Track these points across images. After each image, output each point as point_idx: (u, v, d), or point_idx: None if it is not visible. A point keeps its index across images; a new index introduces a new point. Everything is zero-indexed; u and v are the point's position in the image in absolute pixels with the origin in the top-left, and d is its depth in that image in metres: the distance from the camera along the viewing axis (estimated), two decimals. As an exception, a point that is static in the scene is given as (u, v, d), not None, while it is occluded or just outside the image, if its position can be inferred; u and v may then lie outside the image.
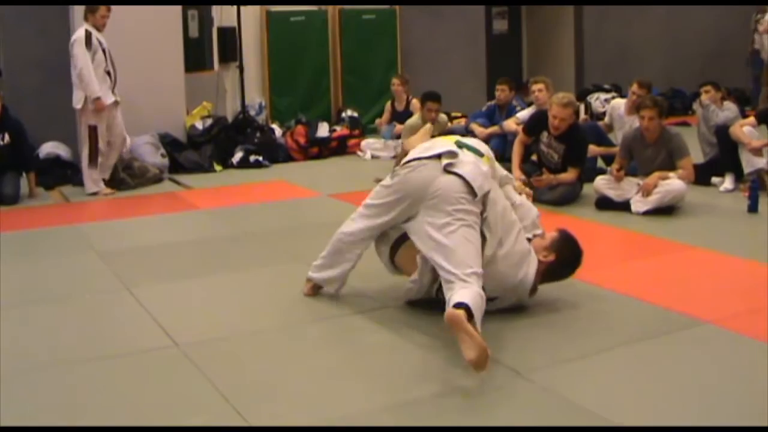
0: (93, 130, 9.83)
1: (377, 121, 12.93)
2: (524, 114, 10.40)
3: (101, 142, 9.90)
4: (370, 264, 5.63)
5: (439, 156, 4.99)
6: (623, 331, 4.67)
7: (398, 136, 11.40)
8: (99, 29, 9.81)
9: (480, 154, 5.08)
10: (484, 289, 4.58)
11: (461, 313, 4.29)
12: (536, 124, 8.65)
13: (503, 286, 4.98)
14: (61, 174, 10.67)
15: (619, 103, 10.07)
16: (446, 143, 5.13)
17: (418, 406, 4.01)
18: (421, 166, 5.01)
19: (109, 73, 9.92)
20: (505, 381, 4.27)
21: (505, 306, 5.07)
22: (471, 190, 4.82)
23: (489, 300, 4.64)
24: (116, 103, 10.00)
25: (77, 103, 9.77)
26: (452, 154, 4.98)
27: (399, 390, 4.22)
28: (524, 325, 4.99)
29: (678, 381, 4.22)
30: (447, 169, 4.90)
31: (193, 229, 8.13)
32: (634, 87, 9.61)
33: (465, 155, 5.00)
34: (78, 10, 10.71)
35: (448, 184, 4.86)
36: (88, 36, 9.65)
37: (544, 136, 8.44)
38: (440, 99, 10.17)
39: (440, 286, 4.86)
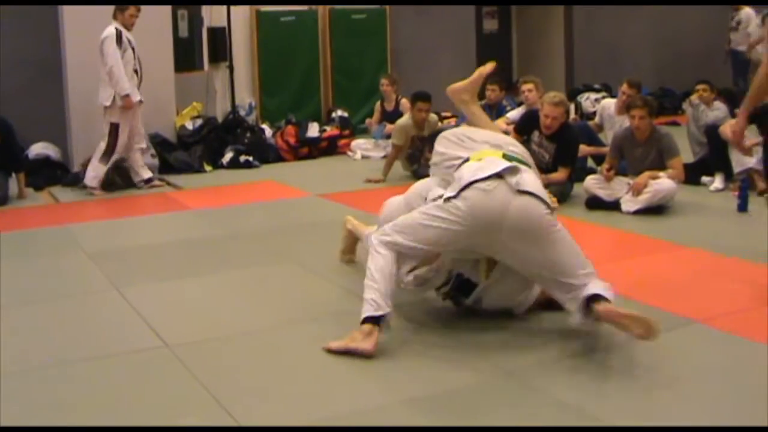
0: (115, 128, 9.90)
1: (367, 121, 12.92)
2: (514, 114, 10.42)
3: (120, 141, 9.97)
4: (363, 264, 5.62)
5: (500, 175, 4.65)
6: (612, 331, 4.67)
7: (388, 136, 11.39)
8: (128, 28, 9.91)
9: (529, 165, 4.94)
10: None
11: (608, 304, 4.42)
12: (527, 124, 8.65)
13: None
14: (50, 174, 10.65)
15: (609, 103, 10.09)
16: (498, 160, 4.79)
17: (408, 406, 4.01)
18: (492, 189, 4.60)
19: (136, 72, 10.04)
20: (496, 380, 4.27)
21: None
22: (545, 203, 4.65)
23: None
24: (140, 102, 10.08)
25: (106, 100, 9.82)
26: (514, 170, 4.68)
27: (389, 390, 4.22)
28: (514, 324, 4.99)
29: (668, 380, 4.23)
30: (519, 190, 4.59)
31: (183, 229, 8.11)
32: (624, 87, 9.62)
33: (522, 169, 4.76)
34: (67, 10, 10.73)
35: (526, 208, 4.58)
36: (118, 34, 9.75)
37: (535, 135, 8.44)
38: (430, 99, 10.14)
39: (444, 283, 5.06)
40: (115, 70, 9.66)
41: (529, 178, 4.71)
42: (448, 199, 4.67)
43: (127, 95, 9.75)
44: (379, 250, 4.77)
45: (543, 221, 4.59)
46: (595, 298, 4.46)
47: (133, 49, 9.94)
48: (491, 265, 5.01)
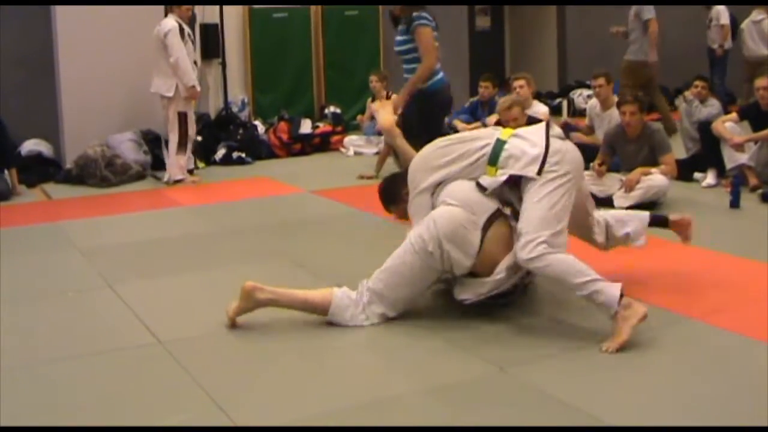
0: (183, 117, 10.14)
1: (359, 117, 12.93)
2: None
3: (190, 129, 10.23)
4: (355, 260, 5.61)
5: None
6: (604, 327, 4.68)
7: (380, 133, 11.40)
8: (185, 21, 10.17)
9: None
10: None
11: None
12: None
13: None
14: (43, 171, 10.63)
15: (596, 103, 10.07)
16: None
17: (398, 402, 4.02)
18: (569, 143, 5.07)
19: (195, 63, 10.36)
20: (486, 376, 4.28)
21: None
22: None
23: None
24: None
25: (168, 91, 10.01)
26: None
27: (380, 386, 4.22)
28: (506, 320, 4.99)
29: (660, 377, 4.24)
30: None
31: (175, 226, 8.11)
32: (600, 81, 9.66)
33: None
34: (59, 10, 10.71)
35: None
36: (180, 27, 9.97)
37: None
38: None
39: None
40: (181, 62, 9.88)
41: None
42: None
43: (194, 86, 10.01)
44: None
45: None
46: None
47: (193, 42, 10.30)
48: None
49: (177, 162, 10.20)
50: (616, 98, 9.85)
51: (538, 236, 4.63)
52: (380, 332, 4.92)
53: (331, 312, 4.94)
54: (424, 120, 7.57)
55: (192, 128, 10.35)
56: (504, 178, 4.88)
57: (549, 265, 4.64)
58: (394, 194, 5.43)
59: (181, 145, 10.17)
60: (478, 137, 5.12)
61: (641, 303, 4.55)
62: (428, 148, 5.24)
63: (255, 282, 4.93)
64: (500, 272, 4.84)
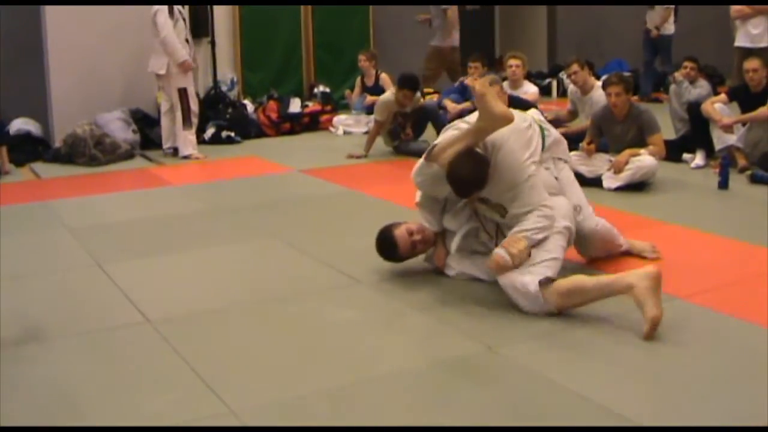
0: (183, 92, 10.32)
1: (347, 93, 12.95)
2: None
3: (193, 104, 10.38)
4: (344, 239, 5.61)
5: None
6: (596, 307, 4.70)
7: (369, 108, 11.41)
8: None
9: None
10: None
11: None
12: None
13: None
14: (32, 150, 10.59)
15: (576, 88, 10.04)
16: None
17: (386, 381, 4.02)
18: None
19: (187, 41, 10.43)
20: (475, 354, 4.29)
21: None
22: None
23: None
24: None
25: (160, 68, 10.20)
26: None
27: (368, 365, 4.23)
28: (496, 299, 5.00)
29: (647, 356, 4.25)
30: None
31: (165, 205, 8.09)
32: (574, 68, 9.65)
33: None
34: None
35: None
36: (170, 6, 10.08)
37: None
38: (417, 86, 10.06)
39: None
40: (168, 39, 10.03)
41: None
42: None
43: (185, 60, 10.14)
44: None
45: None
46: None
47: (184, 20, 10.37)
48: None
49: (185, 137, 10.34)
50: (594, 80, 9.88)
51: (590, 208, 5.53)
52: (371, 311, 4.94)
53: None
54: None
55: (194, 103, 10.44)
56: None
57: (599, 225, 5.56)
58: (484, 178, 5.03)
59: (186, 120, 10.30)
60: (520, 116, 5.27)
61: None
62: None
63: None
64: None
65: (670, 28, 14.59)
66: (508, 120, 4.94)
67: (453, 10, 13.16)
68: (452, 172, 4.89)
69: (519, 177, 4.98)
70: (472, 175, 4.90)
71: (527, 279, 4.75)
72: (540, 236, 4.91)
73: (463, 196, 5.11)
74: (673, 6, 14.59)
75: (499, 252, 4.86)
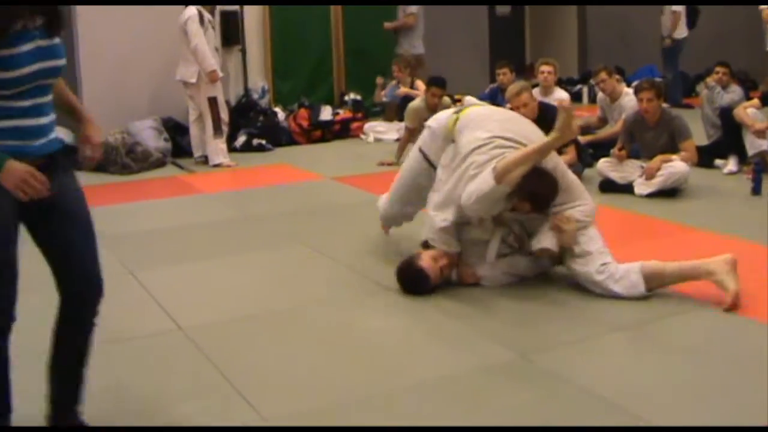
0: (213, 101, 10.36)
1: (378, 89, 12.82)
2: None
3: (222, 112, 10.42)
4: (374, 247, 5.61)
5: None
6: (625, 314, 4.68)
7: (402, 99, 11.42)
8: (206, 8, 10.35)
9: None
10: None
11: None
12: None
13: None
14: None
15: (605, 95, 9.99)
16: None
17: (419, 389, 4.01)
18: None
19: (216, 50, 10.56)
20: (508, 362, 4.28)
21: None
22: None
23: None
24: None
25: (190, 77, 10.27)
26: None
27: (402, 373, 4.23)
28: (526, 307, 5.00)
29: (679, 363, 4.23)
30: None
31: (196, 212, 8.13)
32: (601, 76, 9.61)
33: None
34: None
35: None
36: (200, 14, 10.14)
37: None
38: (445, 85, 10.10)
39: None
40: (200, 48, 10.06)
41: None
42: None
43: (214, 70, 10.17)
44: None
45: None
46: None
47: (213, 28, 10.47)
48: None
49: (216, 146, 10.36)
50: (624, 87, 9.84)
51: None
52: (404, 319, 4.94)
53: None
54: None
55: (224, 112, 10.47)
56: None
57: None
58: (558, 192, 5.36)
59: (216, 129, 10.34)
60: None
61: None
62: None
63: None
64: None
65: (681, 32, 14.34)
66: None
67: (413, 17, 13.15)
68: (533, 190, 5.10)
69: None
70: (551, 191, 5.17)
71: (623, 267, 5.09)
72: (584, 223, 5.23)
73: (542, 211, 5.24)
74: (681, 9, 14.29)
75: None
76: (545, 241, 5.20)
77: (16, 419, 3.56)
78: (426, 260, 5.29)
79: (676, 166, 7.81)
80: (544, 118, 8.18)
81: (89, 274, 3.75)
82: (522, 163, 5.01)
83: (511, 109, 8.28)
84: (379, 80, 12.76)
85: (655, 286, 5.06)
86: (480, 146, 5.22)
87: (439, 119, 5.80)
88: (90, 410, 3.88)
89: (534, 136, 5.33)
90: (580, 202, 5.28)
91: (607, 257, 5.14)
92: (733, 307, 4.77)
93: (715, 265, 4.97)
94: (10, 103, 3.18)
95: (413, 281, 5.31)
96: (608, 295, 5.03)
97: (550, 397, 3.89)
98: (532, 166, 5.04)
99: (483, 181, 5.04)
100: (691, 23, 14.42)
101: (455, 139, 5.43)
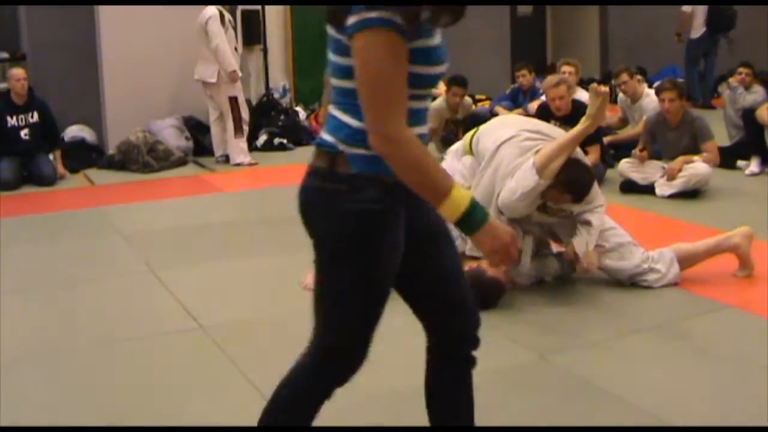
0: (234, 101, 10.42)
1: None
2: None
3: (243, 112, 10.49)
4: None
5: None
6: (644, 315, 4.67)
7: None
8: (226, 8, 10.44)
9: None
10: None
11: None
12: (542, 115, 8.44)
13: None
14: (86, 157, 10.72)
15: (626, 96, 9.95)
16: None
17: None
18: None
19: (236, 49, 10.59)
20: (527, 363, 4.28)
21: None
22: None
23: None
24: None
25: (211, 77, 10.31)
26: None
27: (419, 374, 4.22)
28: (546, 307, 5.00)
29: (700, 364, 4.21)
30: None
31: (217, 212, 8.15)
32: (623, 77, 9.55)
33: None
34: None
35: None
36: (221, 14, 10.20)
37: (552, 124, 8.34)
38: (466, 84, 10.09)
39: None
40: (221, 48, 10.12)
41: None
42: None
43: (234, 70, 10.23)
44: None
45: None
46: None
47: (234, 28, 10.53)
48: None
49: (237, 145, 10.41)
50: (645, 87, 9.79)
51: None
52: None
53: None
54: None
55: (245, 111, 10.52)
56: None
57: None
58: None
59: (238, 128, 10.38)
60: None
61: None
62: None
63: None
64: None
65: (695, 32, 14.13)
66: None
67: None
68: (573, 178, 5.07)
69: None
70: (590, 178, 5.19)
71: (656, 255, 5.32)
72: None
73: (581, 200, 5.17)
74: (690, 9, 14.07)
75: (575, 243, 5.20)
76: (578, 246, 5.17)
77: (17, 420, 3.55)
78: (493, 270, 5.00)
79: (697, 167, 7.78)
80: (577, 114, 8.17)
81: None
82: (560, 154, 5.01)
83: (542, 106, 8.30)
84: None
85: (685, 267, 5.37)
86: (507, 140, 5.21)
87: (456, 144, 5.97)
88: (111, 408, 3.91)
89: (554, 132, 5.33)
90: (597, 203, 5.25)
91: (640, 247, 5.32)
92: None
93: (739, 239, 5.43)
94: (420, 105, 2.58)
95: (496, 294, 5.07)
96: (642, 285, 5.21)
97: (569, 399, 3.89)
98: (569, 157, 5.07)
99: (525, 177, 5.00)
100: (713, 23, 14.17)
101: (474, 150, 5.44)
